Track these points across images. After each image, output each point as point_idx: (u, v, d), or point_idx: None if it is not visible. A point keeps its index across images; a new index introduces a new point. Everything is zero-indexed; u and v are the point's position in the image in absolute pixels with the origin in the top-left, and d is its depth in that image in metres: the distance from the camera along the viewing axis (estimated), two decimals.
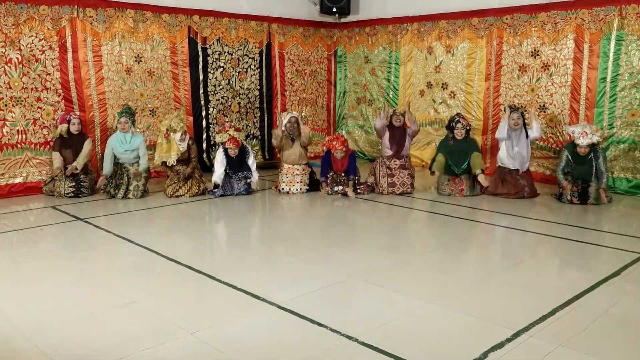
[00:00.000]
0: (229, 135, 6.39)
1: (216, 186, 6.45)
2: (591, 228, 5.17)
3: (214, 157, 6.63)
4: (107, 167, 6.38)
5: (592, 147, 6.01)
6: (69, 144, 6.35)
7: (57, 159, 6.30)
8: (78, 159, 6.32)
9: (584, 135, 5.94)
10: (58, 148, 6.34)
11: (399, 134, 6.60)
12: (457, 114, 6.72)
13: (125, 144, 6.35)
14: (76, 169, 6.28)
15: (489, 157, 7.81)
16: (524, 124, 6.45)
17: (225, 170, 6.43)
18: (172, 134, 6.33)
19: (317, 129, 9.57)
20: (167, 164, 6.39)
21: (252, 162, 6.53)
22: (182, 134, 6.35)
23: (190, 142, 6.49)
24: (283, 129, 6.64)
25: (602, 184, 6.02)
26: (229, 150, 6.37)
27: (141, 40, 7.29)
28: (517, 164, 6.39)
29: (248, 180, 6.53)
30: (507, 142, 6.43)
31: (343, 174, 6.60)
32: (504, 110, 6.64)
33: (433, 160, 6.60)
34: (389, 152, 6.62)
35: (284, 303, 3.34)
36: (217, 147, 8.02)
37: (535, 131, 6.39)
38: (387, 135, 6.62)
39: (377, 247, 4.67)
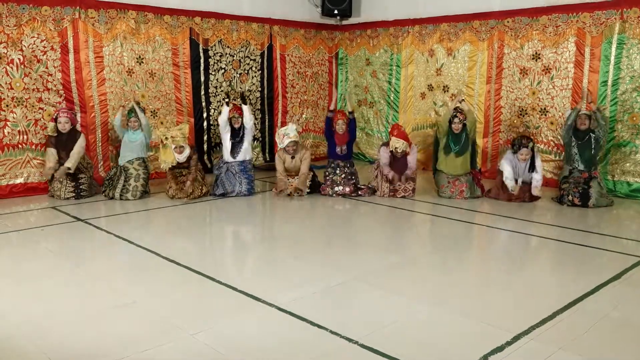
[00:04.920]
0: (233, 104, 6.63)
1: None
2: (592, 231, 5.17)
3: (215, 158, 6.68)
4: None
5: (591, 130, 6.17)
6: (61, 143, 6.27)
7: (51, 157, 6.21)
8: (70, 158, 6.21)
9: (582, 109, 6.25)
10: (54, 145, 6.25)
11: (401, 162, 6.52)
12: (455, 109, 6.70)
13: (133, 136, 6.44)
14: (69, 169, 6.21)
15: (489, 161, 7.81)
16: (532, 154, 6.35)
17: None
18: (166, 141, 6.30)
19: (318, 131, 9.57)
20: (161, 167, 6.47)
21: (247, 119, 6.58)
22: (176, 147, 6.26)
23: (190, 152, 6.45)
24: (281, 147, 6.63)
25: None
26: (233, 120, 6.54)
27: (143, 41, 7.29)
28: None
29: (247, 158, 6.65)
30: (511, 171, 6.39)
31: (343, 176, 6.62)
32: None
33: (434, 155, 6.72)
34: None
35: (284, 305, 3.34)
36: (217, 148, 8.06)
37: (537, 180, 6.31)
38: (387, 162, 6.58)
39: (378, 249, 4.67)
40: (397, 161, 6.51)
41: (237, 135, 6.62)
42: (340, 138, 6.71)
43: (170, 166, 6.36)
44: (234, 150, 6.61)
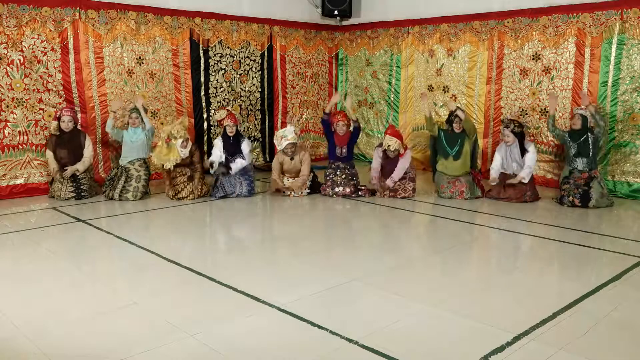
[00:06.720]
0: (227, 111, 6.55)
1: (211, 164, 6.48)
2: (592, 232, 5.17)
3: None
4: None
5: (588, 128, 6.16)
6: (63, 142, 6.30)
7: (51, 160, 6.28)
8: (80, 164, 6.28)
9: (578, 107, 6.33)
10: (53, 147, 6.28)
11: (393, 165, 6.48)
12: (457, 108, 6.70)
13: (134, 136, 6.43)
14: (78, 170, 6.28)
15: (489, 161, 7.80)
16: (522, 139, 6.37)
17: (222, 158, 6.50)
18: (173, 140, 6.28)
19: (318, 132, 9.57)
20: (164, 167, 6.33)
21: (245, 145, 6.56)
22: (183, 141, 6.28)
23: (193, 148, 6.47)
24: (280, 149, 6.62)
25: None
26: (227, 128, 6.48)
27: (143, 42, 7.30)
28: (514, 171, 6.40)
29: (246, 177, 6.53)
30: (503, 157, 6.47)
31: (343, 177, 6.62)
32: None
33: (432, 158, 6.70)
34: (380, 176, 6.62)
35: (285, 305, 3.34)
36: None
37: (526, 170, 6.28)
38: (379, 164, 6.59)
39: (378, 250, 4.67)
40: (390, 163, 6.50)
41: (230, 145, 6.51)
42: (340, 139, 6.71)
43: (172, 165, 6.31)
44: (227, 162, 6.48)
